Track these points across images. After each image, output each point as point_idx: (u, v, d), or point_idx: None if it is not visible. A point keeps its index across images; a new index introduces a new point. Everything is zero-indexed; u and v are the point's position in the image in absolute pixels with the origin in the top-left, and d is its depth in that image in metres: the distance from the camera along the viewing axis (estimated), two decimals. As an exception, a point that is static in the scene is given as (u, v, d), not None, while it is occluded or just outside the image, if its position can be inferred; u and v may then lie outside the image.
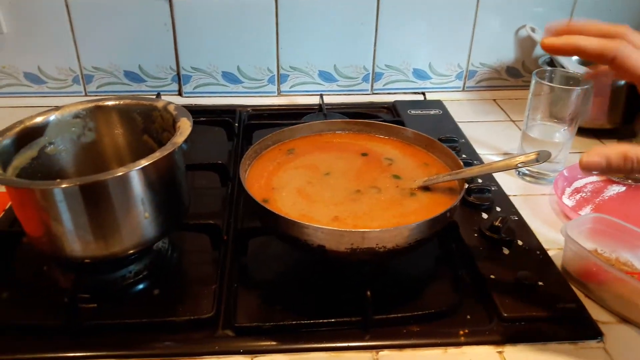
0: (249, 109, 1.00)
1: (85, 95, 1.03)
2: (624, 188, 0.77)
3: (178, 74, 1.03)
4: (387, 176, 0.61)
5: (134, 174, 0.50)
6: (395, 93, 1.07)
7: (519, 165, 0.53)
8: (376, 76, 1.06)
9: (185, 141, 0.58)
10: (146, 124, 0.63)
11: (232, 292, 0.57)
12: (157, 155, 0.50)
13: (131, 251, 0.54)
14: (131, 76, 1.02)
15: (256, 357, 0.50)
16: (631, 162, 0.42)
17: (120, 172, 0.48)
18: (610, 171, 0.45)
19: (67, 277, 0.58)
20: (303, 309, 0.55)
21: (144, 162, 0.50)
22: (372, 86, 1.07)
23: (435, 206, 0.55)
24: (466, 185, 0.56)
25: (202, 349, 0.51)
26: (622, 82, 0.87)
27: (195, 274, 0.61)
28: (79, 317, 0.52)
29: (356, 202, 0.57)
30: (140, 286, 0.58)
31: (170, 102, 0.62)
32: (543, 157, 0.51)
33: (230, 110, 0.97)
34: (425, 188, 0.59)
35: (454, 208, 0.53)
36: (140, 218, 0.52)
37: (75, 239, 0.51)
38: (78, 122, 0.62)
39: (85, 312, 0.54)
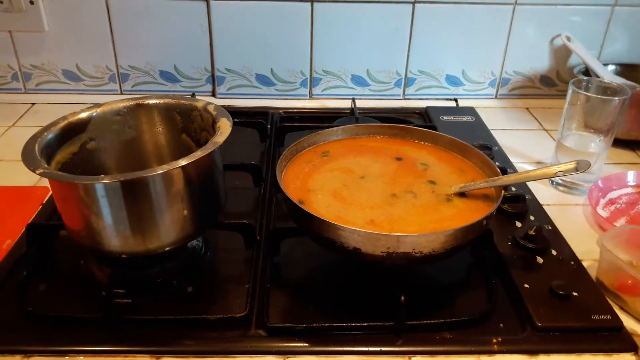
0: (281, 111, 1.00)
1: (121, 93, 1.05)
2: (661, 201, 0.75)
3: (212, 75, 1.04)
4: (423, 181, 0.61)
5: (176, 171, 0.51)
6: (427, 99, 1.06)
7: (558, 174, 0.53)
8: (408, 81, 1.06)
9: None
10: (185, 123, 0.64)
11: (265, 291, 0.57)
12: (198, 154, 0.51)
13: (168, 248, 0.55)
14: (166, 76, 1.04)
15: (288, 357, 0.51)
16: None
17: (162, 170, 0.49)
18: None
19: (104, 271, 0.59)
20: (335, 311, 0.55)
21: (185, 161, 0.51)
22: (404, 91, 1.06)
23: (472, 213, 0.55)
24: (503, 193, 0.56)
25: (235, 347, 0.51)
26: (661, 93, 0.85)
27: (228, 272, 0.62)
28: (115, 312, 0.53)
29: (392, 206, 0.57)
30: (174, 283, 0.59)
31: (210, 103, 0.63)
32: (582, 166, 0.51)
33: (262, 112, 0.98)
34: (461, 194, 0.59)
35: (490, 215, 0.53)
36: (178, 215, 0.53)
37: (114, 234, 0.52)
38: (119, 120, 0.64)
39: (120, 307, 0.55)
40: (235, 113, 0.95)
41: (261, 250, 0.63)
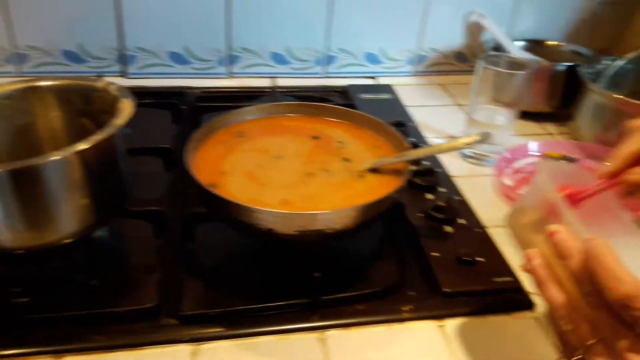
0: (197, 91, 0.97)
1: (20, 76, 0.97)
2: (563, 170, 0.80)
3: (122, 54, 0.98)
4: (338, 159, 0.61)
5: (71, 158, 0.47)
6: (348, 77, 1.06)
7: (463, 146, 0.54)
8: (329, 59, 1.05)
9: (128, 124, 0.56)
10: (85, 106, 0.60)
11: (177, 280, 0.55)
12: (96, 137, 0.48)
13: (68, 240, 0.51)
14: (70, 56, 0.97)
15: (202, 344, 0.50)
16: None
17: (55, 157, 0.46)
18: None
19: (-1, 268, 0.55)
20: (251, 293, 0.54)
21: (82, 146, 0.47)
22: (325, 69, 1.06)
23: (383, 187, 0.56)
24: (411, 167, 0.57)
25: (144, 339, 0.49)
26: (561, 67, 0.90)
27: (137, 263, 0.59)
28: (11, 312, 0.50)
29: (306, 184, 0.56)
30: (79, 277, 0.55)
31: (111, 83, 0.59)
32: (485, 138, 0.53)
33: (177, 93, 0.94)
34: (374, 170, 0.59)
35: (400, 189, 0.54)
36: (77, 205, 0.50)
37: (4, 228, 0.48)
38: (9, 104, 0.58)
39: (18, 307, 0.51)
40: (148, 94, 0.93)
41: (173, 238, 0.61)
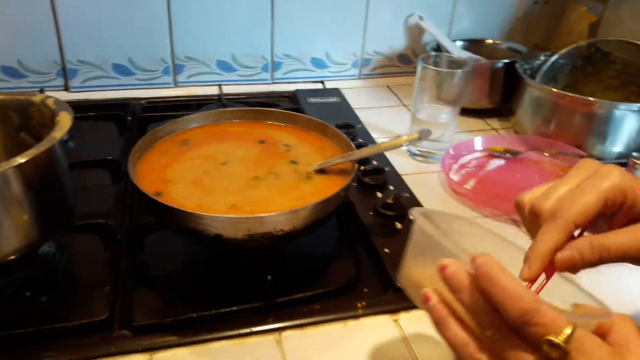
0: (143, 101, 0.96)
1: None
2: (503, 161, 0.84)
3: (64, 67, 0.96)
4: (285, 162, 0.62)
5: (9, 172, 0.46)
6: (295, 82, 1.08)
7: (404, 144, 0.56)
8: (276, 65, 1.06)
9: (73, 138, 0.55)
10: (23, 121, 0.59)
11: (128, 291, 0.54)
12: (33, 152, 0.47)
13: (11, 257, 0.50)
14: (9, 72, 0.94)
15: (156, 353, 0.49)
16: (598, 252, 0.39)
17: (-10, 172, 0.45)
18: (585, 263, 0.39)
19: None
20: (205, 300, 0.54)
21: (20, 160, 0.46)
22: (272, 75, 1.07)
23: (331, 187, 0.57)
24: (357, 166, 0.58)
25: (97, 352, 0.48)
26: (500, 64, 0.94)
27: (87, 277, 0.58)
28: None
29: (254, 189, 0.57)
30: (26, 294, 0.54)
31: (49, 96, 0.58)
32: (424, 135, 0.55)
33: (122, 104, 0.93)
34: (321, 171, 0.60)
35: (346, 188, 0.55)
36: (18, 221, 0.48)
37: (-57, 248, 0.46)
38: (-59, 122, 0.57)
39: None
40: (93, 107, 0.91)
41: (123, 250, 0.60)
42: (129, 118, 0.87)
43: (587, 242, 0.39)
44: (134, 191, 0.69)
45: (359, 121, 0.92)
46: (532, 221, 0.43)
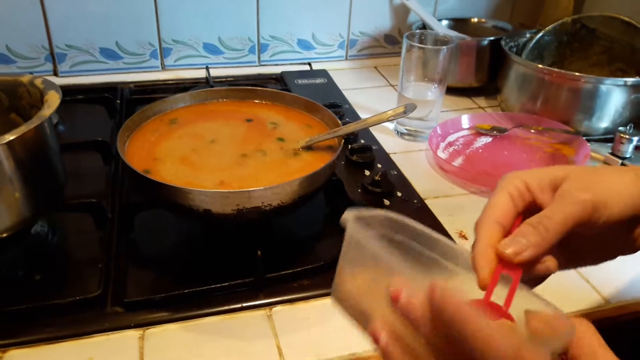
0: (131, 85, 0.96)
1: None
2: (490, 139, 0.85)
3: (52, 52, 0.96)
4: (272, 139, 0.63)
5: (-2, 150, 0.47)
6: (282, 64, 1.08)
7: (390, 118, 0.57)
8: (262, 47, 1.06)
9: (63, 122, 0.55)
10: (12, 102, 0.59)
11: (120, 269, 0.55)
12: (23, 129, 0.48)
13: (4, 235, 0.51)
14: (-3, 57, 0.94)
15: (148, 329, 0.50)
16: (542, 227, 0.35)
17: (-21, 150, 0.45)
18: (536, 249, 0.34)
19: None
20: (196, 277, 0.55)
21: (9, 137, 0.47)
22: (259, 58, 1.07)
23: (318, 163, 0.58)
24: (343, 142, 0.59)
25: (90, 328, 0.49)
26: (486, 42, 0.95)
27: (79, 255, 0.59)
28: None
29: (242, 166, 0.58)
30: (20, 273, 0.55)
31: (37, 76, 0.58)
32: (410, 109, 0.55)
33: (111, 88, 0.92)
34: (309, 148, 0.61)
35: (332, 163, 0.56)
36: (9, 199, 0.49)
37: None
38: None
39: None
40: (81, 91, 0.91)
41: (114, 229, 0.61)
42: (118, 101, 0.87)
43: (526, 224, 0.35)
44: (124, 171, 0.70)
45: (346, 101, 0.93)
46: None
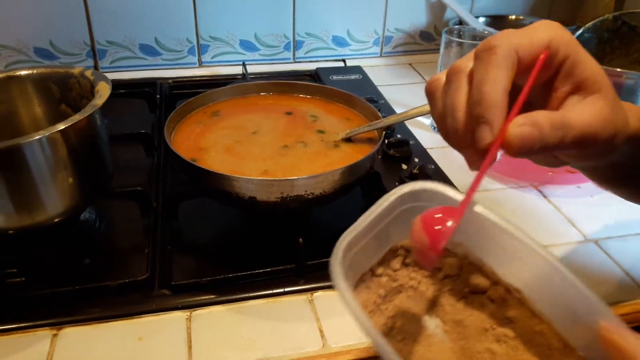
0: (170, 81, 0.98)
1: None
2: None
3: (93, 48, 0.99)
4: (312, 132, 0.64)
5: (54, 136, 0.49)
6: (317, 61, 1.09)
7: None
8: (297, 44, 1.07)
9: (106, 115, 0.57)
10: (63, 93, 0.61)
11: (166, 254, 0.57)
12: (76, 117, 0.50)
13: (57, 219, 0.53)
14: (42, 53, 0.97)
15: (195, 310, 0.52)
16: (560, 129, 0.32)
17: (39, 135, 0.47)
18: (544, 144, 0.31)
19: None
20: (239, 263, 0.56)
21: (63, 125, 0.49)
22: (294, 54, 1.08)
23: (358, 154, 0.59)
24: (384, 134, 0.60)
25: (139, 308, 0.51)
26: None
27: (126, 241, 0.61)
28: (7, 292, 0.51)
29: (284, 156, 0.59)
30: (71, 257, 0.57)
31: (87, 68, 0.60)
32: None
33: (150, 83, 0.95)
34: (348, 140, 0.62)
35: (373, 154, 0.56)
36: (63, 184, 0.51)
37: (-5, 209, 0.49)
38: (-12, 95, 0.59)
39: (13, 286, 0.53)
40: (122, 86, 0.93)
41: (159, 217, 0.62)
42: (158, 96, 0.89)
43: (546, 117, 0.31)
44: (167, 162, 0.72)
45: (381, 97, 0.93)
46: (454, 83, 0.33)
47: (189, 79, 1.00)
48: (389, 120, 0.61)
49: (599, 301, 0.31)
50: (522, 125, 0.31)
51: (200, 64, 1.04)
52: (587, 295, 0.32)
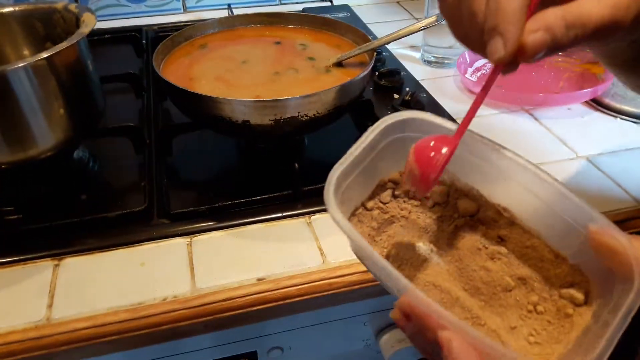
0: (155, 27, 0.96)
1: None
2: (518, 62, 0.83)
3: (73, -2, 0.96)
4: (303, 59, 0.63)
5: (40, 64, 0.48)
6: (303, 2, 1.07)
7: (422, 28, 0.57)
8: (283, -14, 1.05)
9: (94, 58, 0.56)
10: (48, 30, 0.60)
11: (163, 187, 0.57)
12: (63, 44, 0.49)
13: (50, 153, 0.52)
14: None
15: (195, 236, 0.52)
16: (574, 28, 0.29)
17: (23, 63, 0.46)
18: (559, 46, 0.30)
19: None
20: (236, 192, 0.56)
21: (48, 53, 0.48)
22: (280, -4, 1.06)
23: (349, 78, 0.58)
24: (375, 55, 0.59)
25: (139, 237, 0.51)
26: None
27: (121, 178, 0.60)
28: (5, 228, 0.51)
29: (275, 82, 0.58)
30: (67, 193, 0.57)
31: (70, 2, 0.59)
32: (442, 18, 0.55)
33: (135, 30, 0.93)
34: (340, 65, 0.61)
35: (366, 74, 0.56)
36: (54, 115, 0.51)
37: (-15, 144, 0.49)
38: (-31, 34, 0.58)
39: (12, 223, 0.53)
40: (107, 33, 0.91)
41: (153, 153, 0.62)
42: (144, 41, 0.87)
43: (560, 17, 0.29)
44: (158, 104, 0.71)
45: (371, 34, 0.92)
46: None
47: (174, 24, 0.98)
48: (381, 41, 0.60)
49: (588, 206, 0.32)
50: (536, 31, 0.29)
51: (185, 9, 1.02)
52: (575, 202, 0.33)
